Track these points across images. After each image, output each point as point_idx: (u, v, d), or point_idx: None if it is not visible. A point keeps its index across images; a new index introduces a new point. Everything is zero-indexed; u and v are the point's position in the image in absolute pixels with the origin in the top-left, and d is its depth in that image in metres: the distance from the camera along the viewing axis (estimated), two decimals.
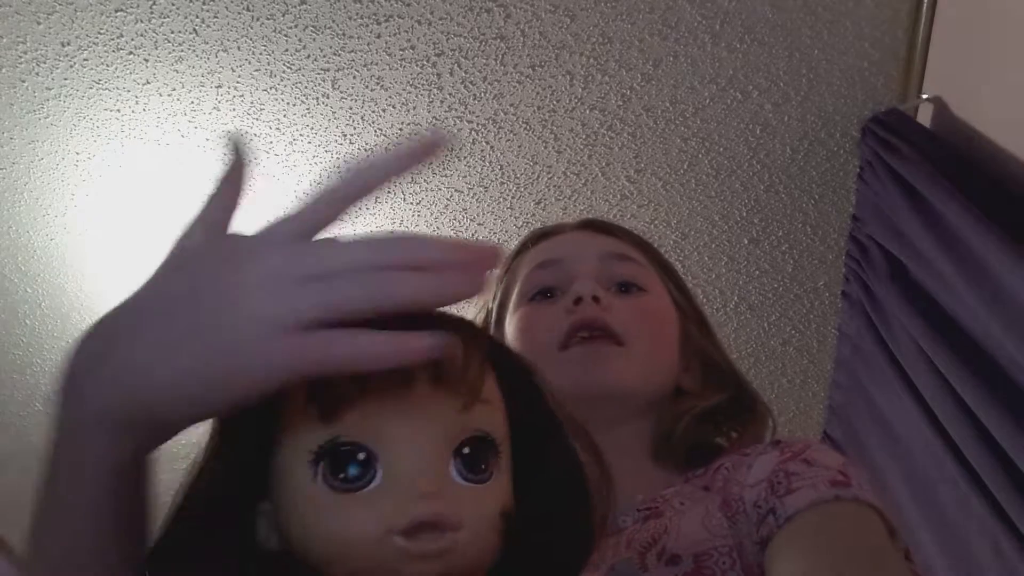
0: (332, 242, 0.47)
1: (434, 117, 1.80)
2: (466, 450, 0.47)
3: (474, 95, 1.76)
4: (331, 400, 0.45)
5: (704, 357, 0.90)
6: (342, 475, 0.45)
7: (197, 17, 1.64)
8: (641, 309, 0.86)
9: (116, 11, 1.63)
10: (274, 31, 1.66)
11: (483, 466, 0.47)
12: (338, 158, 1.87)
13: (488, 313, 0.93)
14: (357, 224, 1.78)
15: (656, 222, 1.95)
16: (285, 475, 0.47)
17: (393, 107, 1.78)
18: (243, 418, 0.48)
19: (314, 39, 1.67)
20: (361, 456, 0.45)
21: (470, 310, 0.97)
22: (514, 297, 0.90)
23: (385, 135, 1.83)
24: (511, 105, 1.77)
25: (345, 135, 1.83)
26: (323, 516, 0.45)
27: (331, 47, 1.68)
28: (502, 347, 0.56)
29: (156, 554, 0.49)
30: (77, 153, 1.87)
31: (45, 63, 1.71)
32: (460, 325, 0.51)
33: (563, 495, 0.52)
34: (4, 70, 1.72)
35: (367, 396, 0.45)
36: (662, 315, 0.88)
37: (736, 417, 0.86)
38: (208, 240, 0.50)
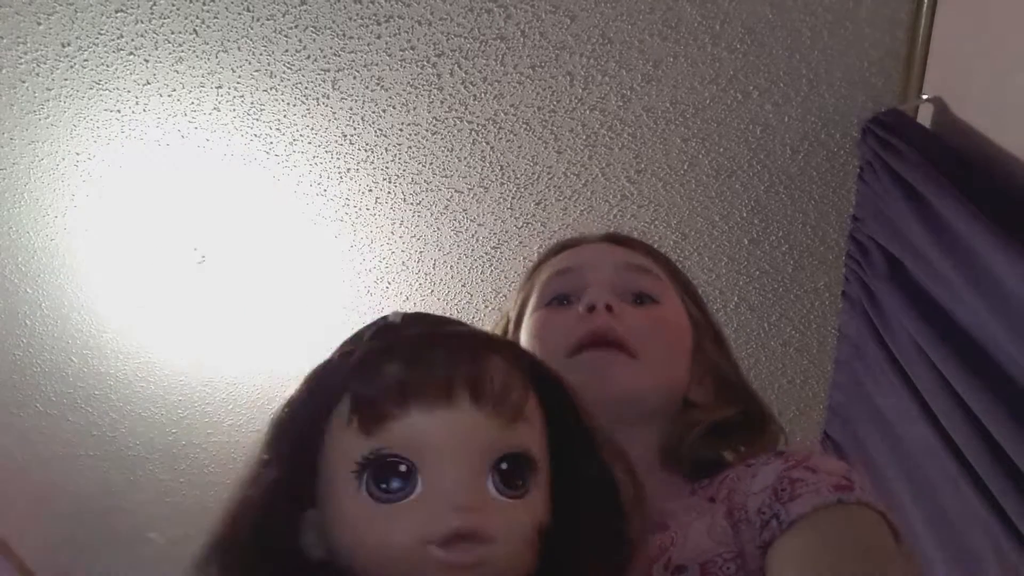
0: None
1: (434, 117, 1.80)
2: (504, 466, 0.48)
3: (474, 95, 1.76)
4: (375, 414, 0.47)
5: (717, 372, 0.91)
6: (384, 486, 0.47)
7: (197, 18, 1.64)
8: (653, 319, 0.87)
9: (116, 12, 1.63)
10: (274, 32, 1.66)
11: (520, 482, 0.49)
12: (338, 158, 1.87)
13: (508, 320, 0.95)
14: (358, 225, 1.78)
15: (656, 223, 1.95)
16: (330, 484, 0.49)
17: (393, 107, 1.78)
18: (292, 430, 0.50)
19: (314, 40, 1.67)
20: (402, 468, 0.47)
21: (491, 318, 0.99)
22: (531, 303, 0.92)
23: (385, 135, 1.83)
24: (511, 106, 1.77)
25: (345, 135, 1.83)
26: (364, 525, 0.47)
27: (331, 48, 1.68)
28: (543, 366, 0.57)
29: (206, 560, 0.52)
30: (77, 154, 1.87)
31: (45, 64, 1.71)
32: (503, 346, 0.54)
33: (599, 511, 0.53)
34: (4, 71, 1.72)
35: (410, 411, 0.47)
36: (674, 327, 0.89)
37: (746, 433, 0.86)
38: None
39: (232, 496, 0.53)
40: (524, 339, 0.89)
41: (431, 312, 0.59)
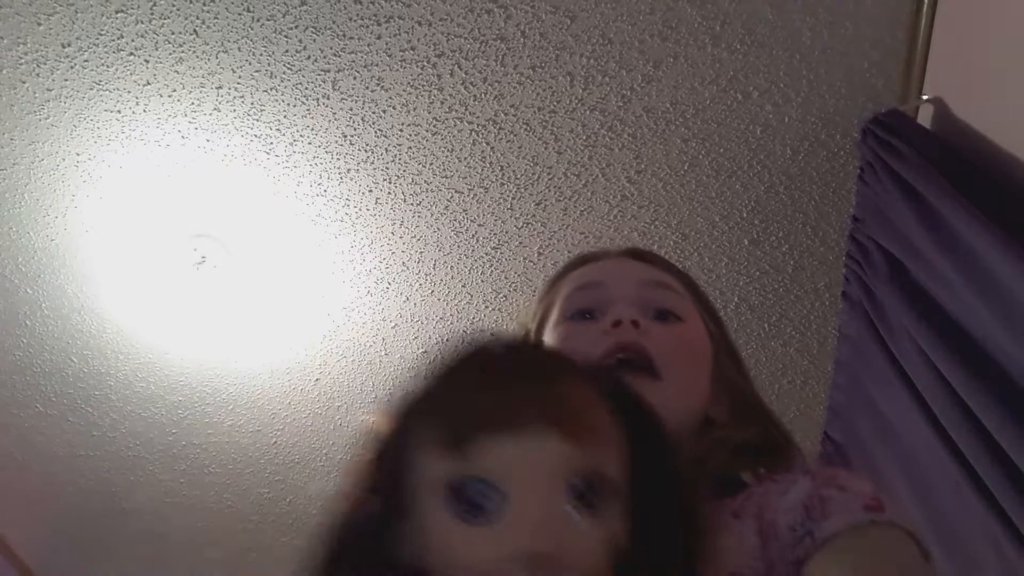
0: None
1: (434, 118, 1.80)
2: (581, 488, 0.50)
3: (474, 96, 1.76)
4: (458, 439, 0.50)
5: (734, 390, 0.91)
6: (466, 507, 0.50)
7: (197, 18, 1.64)
8: (678, 337, 0.87)
9: (116, 12, 1.63)
10: (274, 32, 1.66)
11: (597, 504, 0.51)
12: (339, 159, 1.88)
13: (527, 333, 0.95)
14: (359, 225, 1.79)
15: (656, 223, 1.96)
16: (419, 503, 0.52)
17: (393, 108, 1.78)
18: (385, 450, 0.54)
19: (314, 40, 1.67)
20: (484, 490, 0.50)
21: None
22: (553, 316, 0.92)
23: (386, 136, 1.83)
24: (511, 106, 1.77)
25: (346, 136, 1.83)
26: (449, 544, 0.50)
27: (331, 48, 1.68)
28: (628, 391, 0.59)
29: (309, 568, 0.55)
30: (77, 154, 1.88)
31: (45, 64, 1.71)
32: (580, 370, 0.55)
33: (673, 535, 0.55)
34: (5, 71, 1.72)
35: (489, 436, 0.50)
36: (698, 344, 0.89)
37: (767, 455, 0.86)
38: None
39: (329, 513, 0.56)
40: None
41: (502, 336, 0.63)
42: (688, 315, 0.90)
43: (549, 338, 0.90)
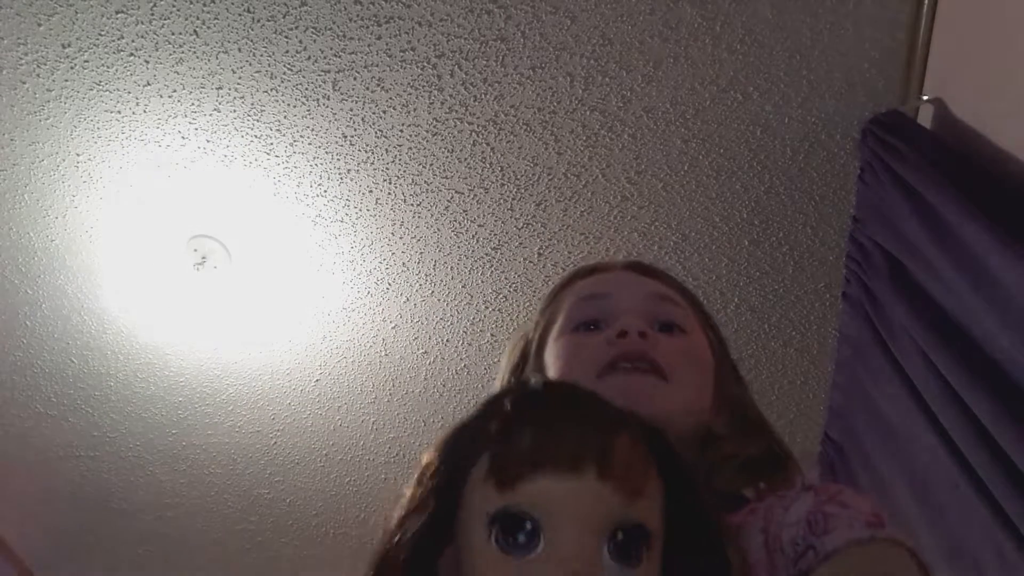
0: None
1: (434, 119, 1.80)
2: (620, 537, 0.52)
3: (474, 96, 1.76)
4: (508, 474, 0.53)
5: (736, 404, 0.91)
6: (510, 540, 0.52)
7: (198, 19, 1.64)
8: (684, 349, 0.87)
9: (117, 13, 1.63)
10: (275, 33, 1.66)
11: (634, 553, 0.52)
12: (339, 159, 1.88)
13: (528, 343, 0.95)
14: (359, 226, 1.79)
15: (656, 223, 1.96)
16: (466, 530, 0.54)
17: (394, 108, 1.78)
18: (438, 479, 0.56)
19: (315, 41, 1.67)
20: (528, 526, 0.52)
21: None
22: (557, 327, 0.91)
23: (386, 136, 1.83)
24: (512, 107, 1.77)
25: (346, 136, 1.83)
26: (487, 569, 0.52)
27: (331, 49, 1.68)
28: (666, 442, 0.60)
29: None
30: (77, 154, 1.88)
31: (46, 65, 1.71)
32: (632, 423, 0.57)
33: None
34: (5, 72, 1.72)
35: (539, 476, 0.52)
36: (702, 357, 0.90)
37: (769, 471, 0.87)
38: None
39: (383, 536, 0.59)
40: (549, 363, 0.89)
41: (564, 387, 0.64)
42: (692, 328, 0.91)
43: (552, 349, 0.90)
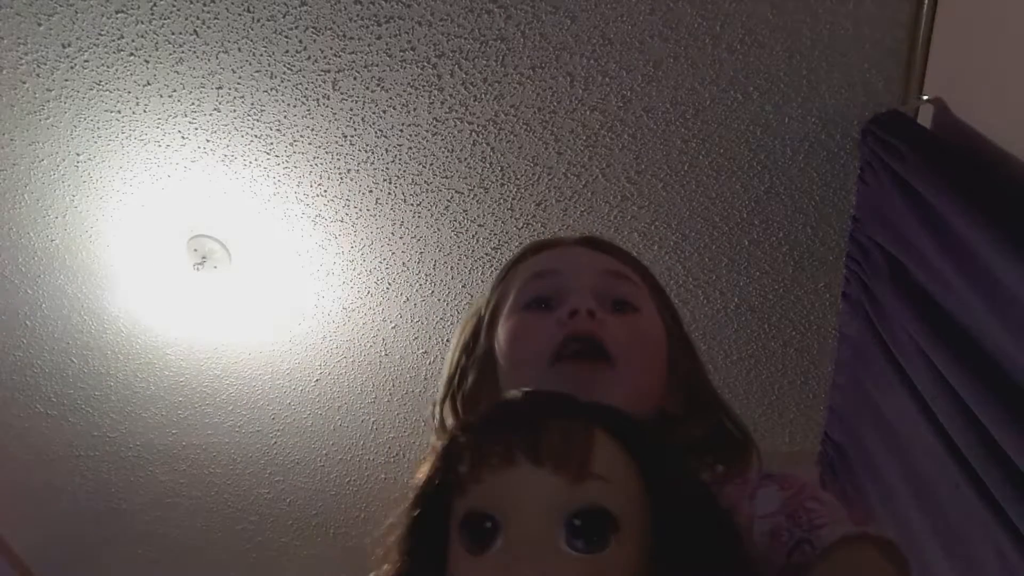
0: None
1: (434, 118, 1.80)
2: (577, 522, 0.52)
3: (474, 96, 1.76)
4: (464, 480, 0.56)
5: (689, 383, 0.90)
6: (473, 539, 0.54)
7: (198, 18, 1.64)
8: (634, 328, 0.86)
9: (117, 12, 1.63)
10: (275, 32, 1.66)
11: (597, 538, 0.52)
12: (339, 159, 1.88)
13: (480, 319, 0.93)
14: (359, 226, 1.78)
15: (657, 223, 1.95)
16: (449, 539, 0.57)
17: (394, 108, 1.78)
18: (424, 492, 0.60)
19: (315, 40, 1.67)
20: (488, 525, 0.54)
21: (464, 315, 0.97)
22: (508, 304, 0.90)
23: (386, 136, 1.83)
24: (512, 106, 1.77)
25: (346, 136, 1.83)
26: (458, 571, 0.55)
27: (331, 48, 1.68)
28: (621, 418, 0.60)
29: None
30: (77, 154, 1.88)
31: (46, 64, 1.71)
32: (566, 407, 0.58)
33: (705, 566, 0.56)
34: (5, 71, 1.72)
35: (485, 474, 0.55)
36: (653, 336, 0.89)
37: (723, 451, 0.86)
38: None
39: (380, 543, 0.62)
40: (501, 341, 0.88)
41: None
42: (644, 305, 0.89)
43: (504, 328, 0.88)
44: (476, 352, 0.90)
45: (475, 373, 0.88)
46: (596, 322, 0.83)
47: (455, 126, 1.81)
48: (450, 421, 0.87)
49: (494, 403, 0.65)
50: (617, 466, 0.55)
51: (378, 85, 1.74)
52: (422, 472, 0.61)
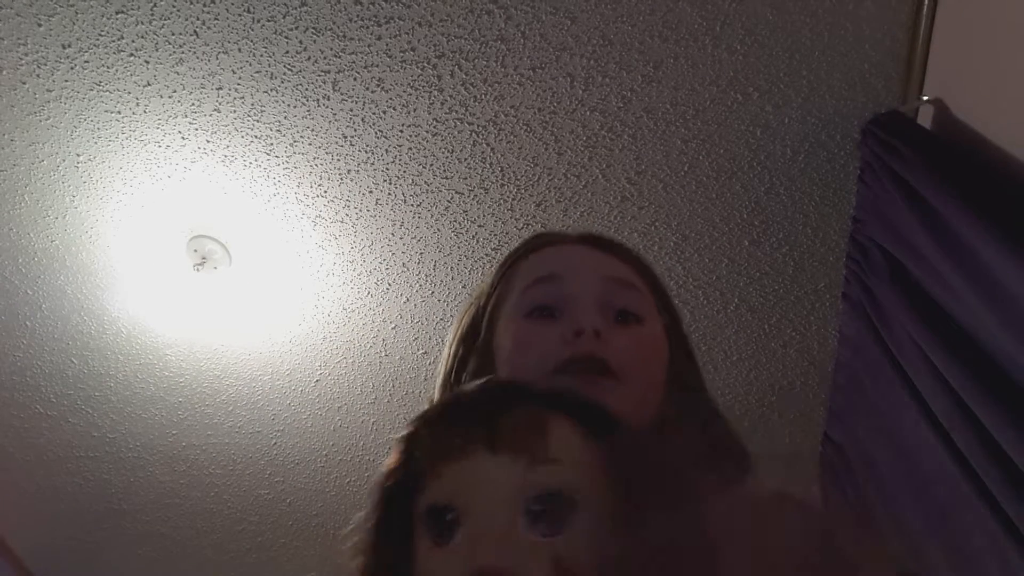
0: None
1: (434, 119, 1.80)
2: (536, 507, 0.53)
3: (475, 97, 1.76)
4: (423, 474, 0.56)
5: (686, 387, 0.90)
6: (435, 531, 0.55)
7: (198, 19, 1.64)
8: (638, 342, 0.85)
9: (117, 13, 1.63)
10: (275, 33, 1.66)
11: (552, 522, 0.52)
12: (339, 160, 1.88)
13: (479, 311, 0.92)
14: (359, 226, 1.78)
15: (657, 224, 1.96)
16: (415, 535, 0.58)
17: (394, 109, 1.78)
18: (391, 491, 0.61)
19: (315, 41, 1.67)
20: (449, 516, 0.54)
21: (461, 309, 0.96)
22: (510, 305, 0.89)
23: (386, 137, 1.83)
24: (512, 107, 1.77)
25: (346, 137, 1.83)
26: (425, 564, 0.55)
27: (332, 49, 1.68)
28: (589, 403, 0.60)
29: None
30: (77, 155, 1.88)
31: (46, 65, 1.71)
32: (521, 395, 0.58)
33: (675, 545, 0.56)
34: (5, 72, 1.72)
35: (442, 466, 0.55)
36: (656, 347, 0.88)
37: (720, 463, 0.85)
38: None
39: (350, 538, 0.64)
40: (502, 347, 0.87)
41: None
42: (647, 314, 0.88)
43: (505, 332, 0.87)
44: (475, 344, 0.89)
45: (474, 365, 0.87)
46: (601, 342, 0.82)
47: (455, 127, 1.81)
48: None
49: (450, 395, 0.65)
50: (573, 448, 0.55)
51: (378, 86, 1.74)
52: (386, 466, 0.62)
